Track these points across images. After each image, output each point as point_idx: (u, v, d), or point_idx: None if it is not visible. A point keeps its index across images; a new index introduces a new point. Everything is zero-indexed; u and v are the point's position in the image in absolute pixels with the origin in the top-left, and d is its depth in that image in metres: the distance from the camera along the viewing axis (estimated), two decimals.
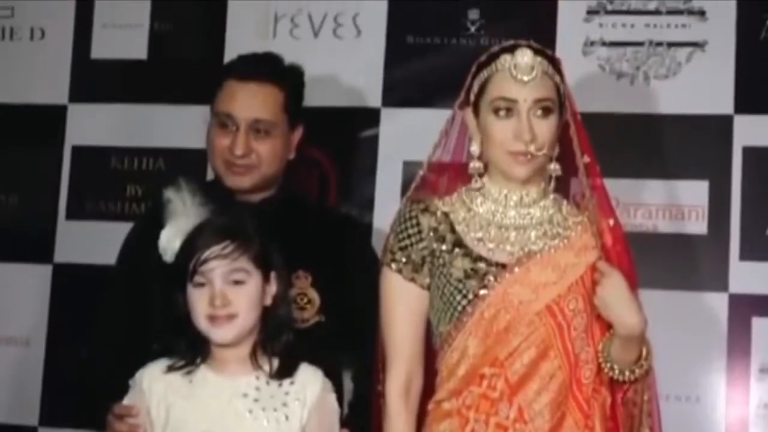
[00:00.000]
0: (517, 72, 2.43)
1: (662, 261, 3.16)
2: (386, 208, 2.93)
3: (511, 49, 2.46)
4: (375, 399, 2.56)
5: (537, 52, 2.46)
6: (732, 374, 3.13)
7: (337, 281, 2.75)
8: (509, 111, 2.44)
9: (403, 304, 2.49)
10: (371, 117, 3.34)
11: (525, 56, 2.44)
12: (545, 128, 2.44)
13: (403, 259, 2.49)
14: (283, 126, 2.79)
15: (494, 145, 2.46)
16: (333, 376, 2.62)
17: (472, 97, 2.50)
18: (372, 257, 2.74)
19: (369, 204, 3.30)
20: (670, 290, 3.15)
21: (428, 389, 2.51)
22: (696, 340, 3.14)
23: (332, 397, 2.47)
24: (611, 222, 2.52)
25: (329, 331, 2.74)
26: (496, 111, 2.45)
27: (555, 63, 2.49)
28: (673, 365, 3.01)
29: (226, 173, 2.77)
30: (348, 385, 2.77)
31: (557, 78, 2.48)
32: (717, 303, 3.15)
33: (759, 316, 3.13)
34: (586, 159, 2.49)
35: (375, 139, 3.33)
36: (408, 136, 3.23)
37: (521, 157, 2.44)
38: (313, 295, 2.75)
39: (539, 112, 2.44)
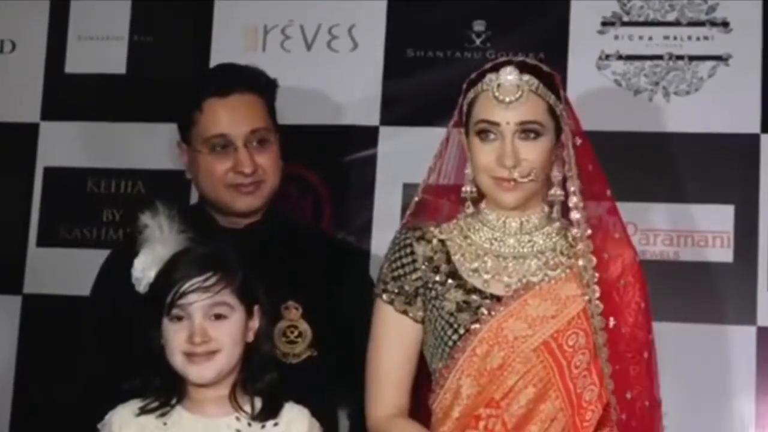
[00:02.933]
0: (500, 92, 2.44)
1: (684, 291, 3.17)
2: (385, 233, 2.88)
3: (498, 67, 2.47)
4: None
5: (527, 69, 2.47)
6: (761, 415, 3.13)
7: (330, 312, 2.77)
8: (493, 134, 2.45)
9: (393, 337, 2.51)
10: (368, 136, 3.35)
11: (509, 75, 2.45)
12: (532, 152, 2.45)
13: (396, 290, 2.52)
14: (273, 131, 2.83)
15: (479, 170, 2.48)
16: (327, 414, 2.67)
17: (463, 118, 2.53)
18: (369, 286, 2.74)
19: (366, 229, 3.31)
20: (692, 323, 3.16)
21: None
22: (721, 378, 3.15)
23: None
24: (619, 252, 2.51)
25: (322, 367, 2.77)
26: (479, 134, 2.47)
27: (551, 81, 2.49)
28: (697, 405, 3.08)
29: (234, 197, 2.79)
30: (344, 423, 2.84)
31: (550, 97, 2.48)
32: (744, 337, 3.15)
33: None
34: (579, 185, 2.48)
35: (373, 160, 3.34)
36: (408, 156, 3.21)
37: (506, 183, 2.45)
38: (305, 327, 2.77)
39: (524, 135, 2.45)
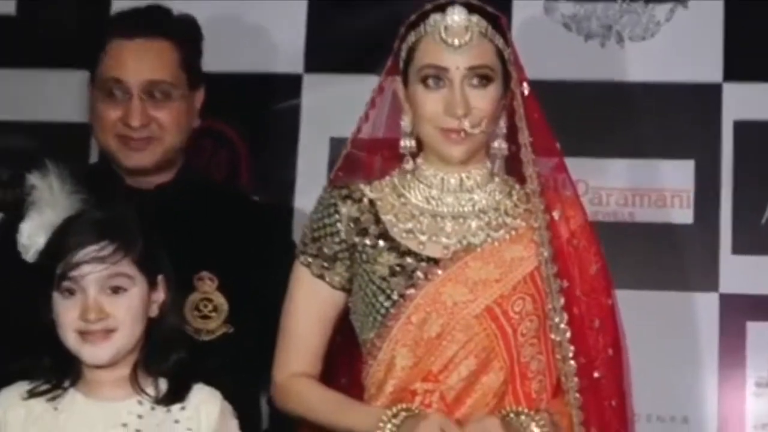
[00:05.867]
0: (448, 35, 2.42)
1: (640, 255, 3.15)
2: (310, 193, 2.84)
3: (443, 7, 2.45)
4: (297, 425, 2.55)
5: (473, 9, 2.45)
6: (725, 389, 3.13)
7: (249, 284, 2.74)
8: (440, 80, 2.44)
9: (306, 302, 2.51)
10: (291, 85, 3.31)
11: (457, 15, 2.42)
12: (483, 100, 2.43)
13: (314, 252, 2.51)
14: (183, 87, 2.79)
15: (423, 120, 2.45)
16: (245, 398, 2.63)
17: (400, 64, 2.50)
18: (293, 252, 2.64)
19: (289, 189, 3.28)
20: (649, 290, 3.14)
21: None
22: (681, 350, 3.14)
23: (233, 425, 2.42)
24: (570, 213, 2.51)
25: (240, 345, 2.73)
26: (424, 80, 2.44)
27: (497, 22, 2.48)
28: (655, 380, 3.03)
29: (121, 151, 2.76)
30: (265, 409, 2.78)
31: (499, 41, 2.47)
32: (706, 305, 3.15)
33: (755, 320, 3.13)
34: (529, 137, 2.48)
35: (296, 112, 3.31)
36: (336, 107, 3.19)
37: (454, 134, 2.43)
38: (220, 300, 2.74)
39: (475, 81, 2.43)
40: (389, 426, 2.36)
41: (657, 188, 3.19)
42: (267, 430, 2.80)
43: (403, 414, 2.36)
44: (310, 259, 2.51)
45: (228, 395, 2.42)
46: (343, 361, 2.57)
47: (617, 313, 2.52)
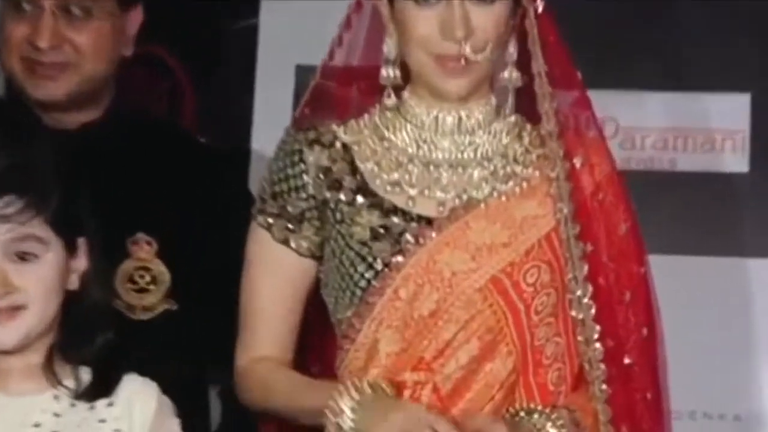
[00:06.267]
0: None
1: (681, 213, 3.19)
2: (270, 134, 2.76)
3: None
4: (257, 423, 2.58)
5: None
6: None
7: (196, 248, 2.78)
8: None
9: (269, 274, 2.51)
10: (247, 1, 3.34)
11: None
12: (487, 20, 2.41)
13: (276, 212, 2.50)
14: (110, 4, 2.80)
15: (414, 44, 2.44)
16: (191, 392, 2.69)
17: None
18: (250, 209, 2.64)
19: (244, 129, 3.30)
20: (692, 256, 3.19)
21: None
22: (732, 331, 3.18)
23: (173, 424, 2.39)
24: (594, 160, 2.50)
25: (185, 325, 2.78)
26: None
27: None
28: (701, 369, 3.13)
29: (28, 78, 2.79)
30: (215, 404, 2.86)
31: None
32: (763, 274, 3.19)
33: None
34: (543, 66, 2.45)
35: (253, 34, 3.33)
36: (302, 29, 3.22)
37: (452, 63, 2.42)
38: (160, 269, 2.77)
39: None
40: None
41: (704, 128, 3.22)
42: (218, 430, 2.85)
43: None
44: (270, 220, 2.49)
45: (168, 388, 2.39)
46: (314, 344, 2.58)
47: (652, 284, 2.51)
